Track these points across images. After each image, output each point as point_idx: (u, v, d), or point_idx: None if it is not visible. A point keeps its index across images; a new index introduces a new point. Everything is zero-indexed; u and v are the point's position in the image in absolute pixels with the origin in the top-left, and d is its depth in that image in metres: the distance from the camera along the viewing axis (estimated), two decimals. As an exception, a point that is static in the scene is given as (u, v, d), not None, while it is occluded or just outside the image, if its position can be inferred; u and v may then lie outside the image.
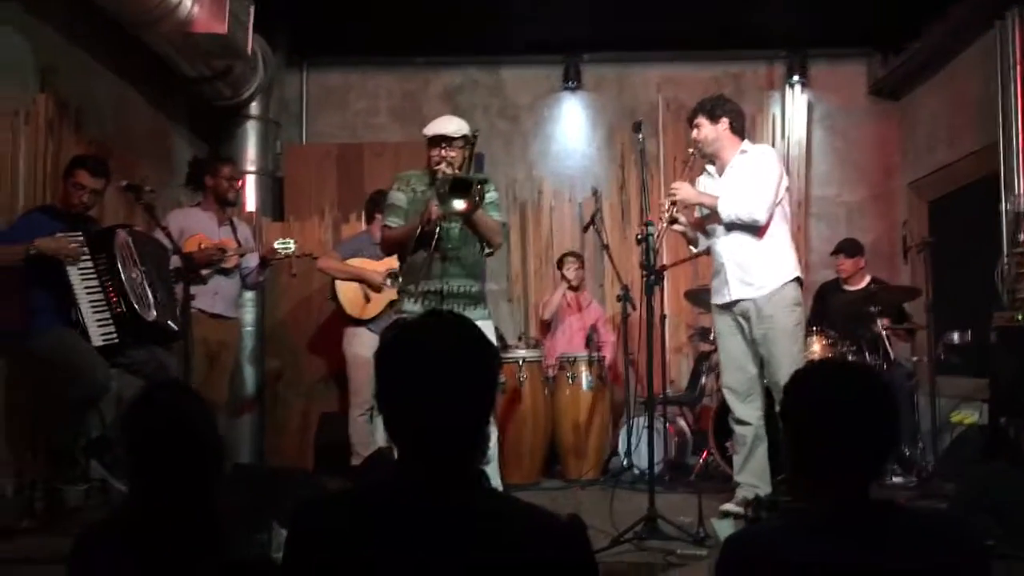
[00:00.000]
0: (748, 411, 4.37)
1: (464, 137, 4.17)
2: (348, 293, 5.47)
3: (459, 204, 3.88)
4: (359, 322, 5.45)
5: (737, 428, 4.41)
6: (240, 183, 5.48)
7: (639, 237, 4.12)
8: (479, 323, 4.17)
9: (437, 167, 4.10)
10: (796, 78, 7.28)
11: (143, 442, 1.83)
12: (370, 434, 5.35)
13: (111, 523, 1.97)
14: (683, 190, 4.33)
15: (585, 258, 6.89)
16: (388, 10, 6.43)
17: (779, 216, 4.31)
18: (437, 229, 4.00)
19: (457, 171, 4.02)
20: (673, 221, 4.35)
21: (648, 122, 4.87)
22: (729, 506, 4.19)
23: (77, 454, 4.20)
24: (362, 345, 5.38)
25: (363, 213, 6.03)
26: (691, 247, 4.66)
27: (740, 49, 7.28)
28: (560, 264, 6.49)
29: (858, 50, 7.35)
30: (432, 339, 1.54)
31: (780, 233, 4.32)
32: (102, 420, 4.28)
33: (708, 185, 4.45)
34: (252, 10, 5.45)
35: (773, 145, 7.23)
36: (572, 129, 7.48)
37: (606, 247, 5.84)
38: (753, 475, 4.32)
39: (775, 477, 4.29)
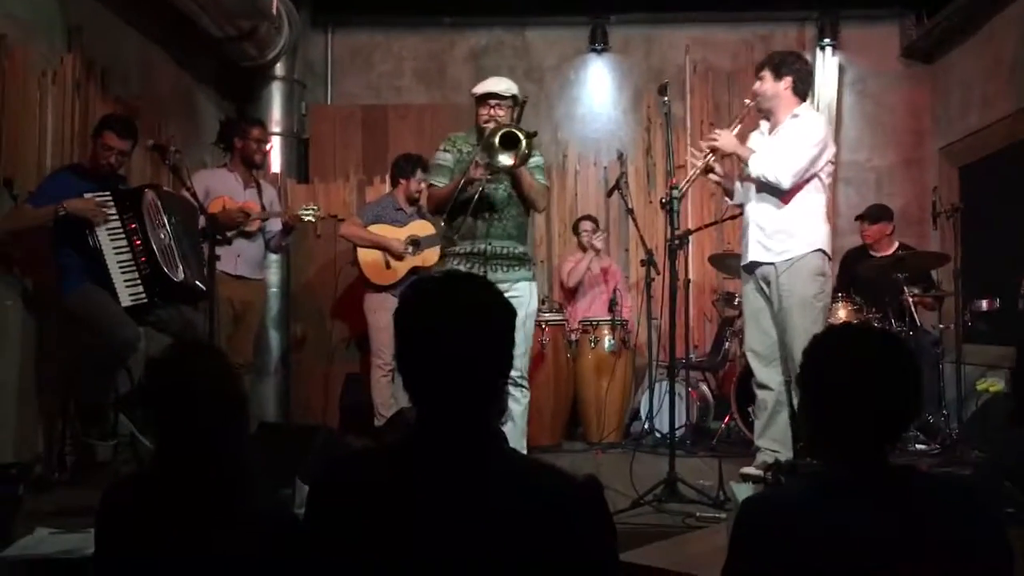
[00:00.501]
0: (770, 375, 4.33)
1: (513, 97, 4.16)
2: (369, 259, 5.51)
3: (506, 159, 3.89)
4: (380, 287, 5.48)
5: (759, 392, 4.39)
6: (268, 146, 5.50)
7: (664, 201, 4.09)
8: (521, 284, 4.18)
9: (486, 125, 4.07)
10: (827, 40, 7.14)
11: (165, 400, 1.85)
12: (392, 395, 5.41)
13: (137, 477, 2.01)
14: (723, 137, 4.28)
15: (610, 222, 6.87)
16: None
17: (814, 186, 4.24)
18: (480, 188, 3.97)
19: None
20: (708, 170, 4.34)
21: (675, 84, 4.83)
22: (749, 470, 4.19)
23: (106, 410, 4.27)
24: (384, 309, 5.41)
25: (388, 176, 6.03)
26: (727, 198, 4.63)
27: (770, 10, 7.16)
28: (575, 229, 6.45)
29: (891, 11, 7.20)
30: (446, 298, 1.55)
31: (812, 202, 4.24)
32: (130, 377, 4.34)
33: (757, 142, 4.39)
34: (277, -31, 5.44)
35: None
36: (598, 92, 7.41)
37: (631, 211, 5.82)
38: (774, 440, 4.30)
39: (795, 443, 4.29)
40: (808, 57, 7.14)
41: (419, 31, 7.43)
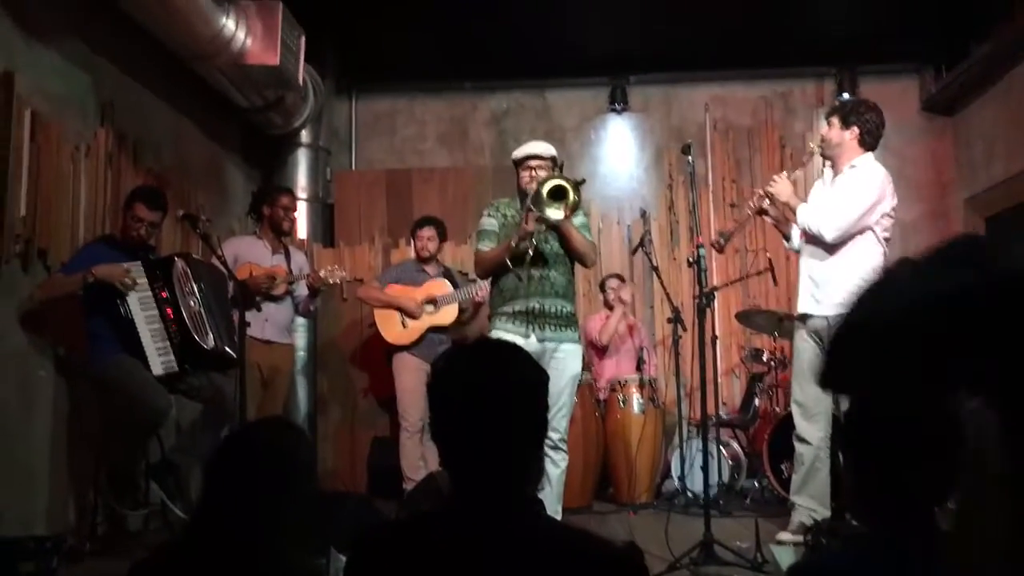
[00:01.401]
0: (810, 430, 4.26)
1: (553, 158, 4.20)
2: (384, 320, 5.56)
3: (557, 211, 3.88)
4: (403, 348, 5.51)
5: (798, 445, 4.31)
6: (295, 213, 5.58)
7: (691, 260, 4.09)
8: (568, 346, 4.08)
9: (528, 186, 4.07)
10: (846, 95, 7.19)
11: (237, 475, 1.85)
12: (420, 458, 5.38)
13: (165, 550, 2.00)
14: (780, 184, 4.31)
15: (634, 279, 6.86)
16: (434, 36, 6.52)
17: (868, 239, 4.18)
18: (531, 246, 3.94)
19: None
20: (762, 212, 4.39)
21: (696, 142, 4.85)
22: (785, 536, 4.10)
23: (137, 479, 4.27)
24: (407, 370, 5.44)
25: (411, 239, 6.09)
26: (785, 241, 4.60)
27: (788, 67, 7.23)
28: (602, 287, 6.44)
29: (909, 65, 7.26)
30: (478, 368, 1.55)
31: (865, 255, 4.16)
32: (161, 445, 4.35)
33: (817, 191, 4.41)
34: (303, 40, 5.55)
35: (823, 164, 7.16)
36: (619, 151, 7.47)
37: (655, 269, 5.82)
38: (811, 498, 4.23)
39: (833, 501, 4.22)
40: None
41: (441, 96, 7.55)
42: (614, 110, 7.42)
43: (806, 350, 4.32)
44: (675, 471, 5.73)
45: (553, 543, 1.51)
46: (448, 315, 5.47)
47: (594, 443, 5.65)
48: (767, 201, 4.33)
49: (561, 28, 6.45)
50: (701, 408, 4.14)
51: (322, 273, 5.23)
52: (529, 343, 3.91)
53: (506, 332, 3.98)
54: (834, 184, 4.32)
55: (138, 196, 4.35)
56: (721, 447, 5.64)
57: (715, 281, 6.48)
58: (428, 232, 5.70)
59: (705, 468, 4.07)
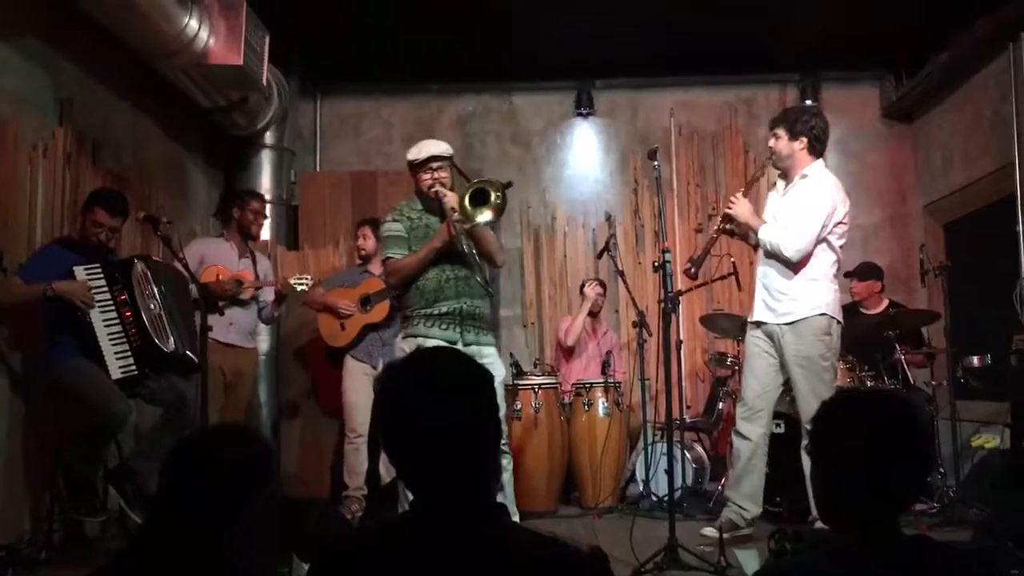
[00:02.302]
0: (751, 427, 4.38)
1: (451, 157, 4.19)
2: (324, 323, 5.54)
3: (485, 215, 3.94)
4: (341, 351, 5.46)
5: (736, 441, 4.43)
6: (265, 220, 5.51)
7: (656, 264, 4.11)
8: (489, 349, 4.14)
9: (430, 190, 4.10)
10: (809, 101, 7.27)
11: (191, 481, 1.82)
12: (361, 463, 5.36)
13: (121, 560, 1.96)
14: (738, 207, 4.37)
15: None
16: (401, 38, 6.49)
17: (821, 248, 4.25)
18: (462, 245, 4.02)
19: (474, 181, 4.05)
20: (726, 232, 4.48)
21: (661, 147, 4.89)
22: (710, 531, 4.16)
23: (95, 485, 4.19)
24: (349, 375, 5.43)
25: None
26: (748, 240, 4.57)
27: (752, 73, 7.29)
28: (582, 287, 6.47)
29: (870, 73, 7.36)
30: (428, 378, 1.54)
31: (818, 265, 4.25)
32: (120, 450, 4.28)
33: (773, 203, 4.45)
34: (267, 41, 5.50)
35: (778, 175, 7.23)
36: (585, 155, 7.49)
37: (621, 273, 5.83)
38: (745, 496, 4.35)
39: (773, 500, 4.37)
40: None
41: (407, 98, 7.52)
42: (580, 114, 7.44)
43: (757, 353, 4.40)
44: (639, 474, 5.74)
45: (519, 549, 1.50)
46: (381, 312, 5.38)
47: (559, 447, 5.64)
48: (729, 223, 4.42)
49: (528, 32, 6.45)
50: (666, 412, 4.16)
51: (291, 280, 5.18)
52: (457, 348, 3.91)
53: (431, 336, 3.99)
54: (786, 195, 4.39)
55: (98, 201, 4.26)
56: (685, 450, 5.66)
57: (680, 286, 6.50)
58: (364, 231, 5.63)
59: (670, 472, 4.08)
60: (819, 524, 4.07)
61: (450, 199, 4.03)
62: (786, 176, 4.43)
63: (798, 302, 4.24)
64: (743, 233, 4.48)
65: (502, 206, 3.97)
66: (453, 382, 1.52)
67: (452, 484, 1.50)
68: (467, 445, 1.50)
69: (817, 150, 4.36)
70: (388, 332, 5.31)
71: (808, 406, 4.17)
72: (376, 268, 5.57)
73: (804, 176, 4.31)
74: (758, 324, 4.38)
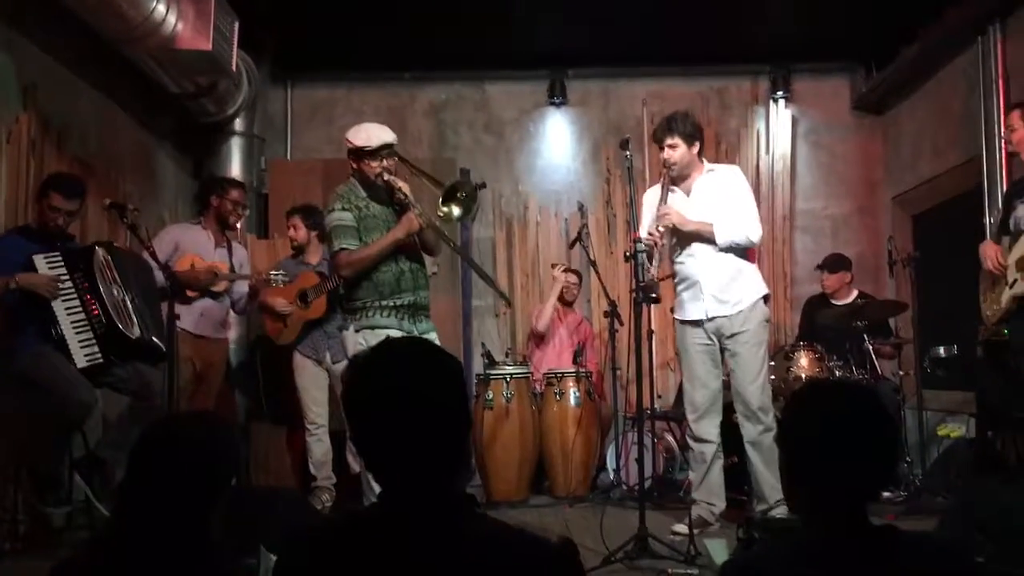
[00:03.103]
0: (709, 428, 4.47)
1: (394, 145, 4.11)
2: (268, 323, 5.51)
3: (458, 211, 3.98)
4: (290, 347, 5.42)
5: (697, 446, 4.49)
6: (245, 211, 5.42)
7: (628, 254, 4.11)
8: (434, 335, 4.17)
9: (378, 177, 4.01)
10: (780, 93, 7.31)
11: (155, 470, 1.80)
12: (325, 454, 5.37)
13: (88, 551, 1.94)
14: (673, 216, 4.38)
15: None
16: (373, 25, 6.43)
17: None
18: (416, 240, 4.05)
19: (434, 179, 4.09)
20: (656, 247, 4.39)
21: (633, 137, 4.88)
22: (680, 528, 4.18)
23: (61, 475, 4.14)
24: (298, 370, 5.41)
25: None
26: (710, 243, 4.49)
27: (725, 64, 7.31)
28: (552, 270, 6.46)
29: (841, 64, 7.40)
30: (398, 368, 1.52)
31: (746, 251, 4.46)
32: (85, 440, 4.22)
33: (682, 205, 4.47)
34: (236, 26, 5.43)
35: (758, 158, 7.28)
36: (558, 144, 7.49)
37: (593, 263, 5.84)
38: (710, 493, 4.44)
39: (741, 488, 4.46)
40: (761, 109, 7.34)
41: (380, 86, 7.47)
42: (553, 103, 7.43)
43: (697, 353, 4.46)
44: (610, 464, 5.76)
45: (488, 541, 1.49)
46: (320, 307, 5.29)
47: (530, 436, 5.65)
48: (668, 238, 4.43)
49: (501, 21, 6.42)
50: (637, 401, 4.17)
51: (266, 276, 5.13)
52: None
53: (389, 327, 3.92)
54: (696, 193, 4.45)
55: (53, 185, 4.17)
56: (656, 440, 5.69)
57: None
58: (294, 221, 5.50)
59: (640, 461, 4.10)
60: (778, 512, 4.15)
61: (404, 186, 3.99)
62: (676, 180, 4.49)
63: (744, 288, 4.40)
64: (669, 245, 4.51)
65: (470, 204, 4.00)
66: (424, 372, 1.51)
67: (421, 475, 1.49)
68: (437, 435, 1.49)
69: (702, 149, 4.55)
70: (331, 324, 5.24)
71: (756, 388, 4.29)
72: (313, 259, 5.47)
73: (711, 171, 4.50)
74: (701, 322, 4.43)
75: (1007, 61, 5.56)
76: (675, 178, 4.50)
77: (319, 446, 5.36)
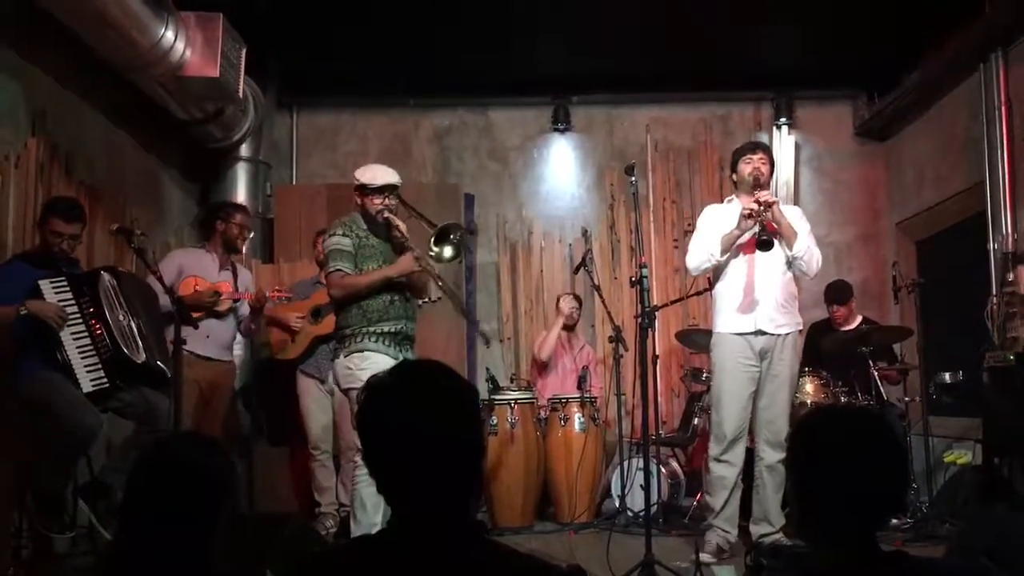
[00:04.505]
0: (739, 452, 4.39)
1: (397, 188, 4.33)
2: (275, 337, 5.54)
3: (450, 252, 4.17)
4: (292, 365, 5.44)
5: (720, 469, 4.37)
6: (250, 234, 5.46)
7: (634, 279, 4.12)
8: None
9: (379, 214, 4.23)
10: (783, 119, 7.35)
11: (152, 494, 1.80)
12: (329, 479, 5.37)
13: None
14: (770, 195, 4.36)
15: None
16: (378, 52, 6.49)
17: None
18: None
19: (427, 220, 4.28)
20: (755, 215, 4.25)
21: (637, 163, 4.91)
22: (708, 558, 4.16)
23: (65, 500, 4.12)
24: (303, 393, 5.43)
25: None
26: (713, 255, 4.43)
27: (728, 91, 7.36)
28: (557, 301, 6.47)
29: (843, 92, 7.44)
30: (415, 391, 1.52)
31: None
32: (90, 465, 4.21)
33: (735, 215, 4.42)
34: (243, 53, 5.47)
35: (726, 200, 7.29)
36: (562, 170, 7.52)
37: (597, 288, 5.85)
38: (727, 520, 4.37)
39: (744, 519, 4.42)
40: (765, 136, 7.37)
41: (384, 112, 7.51)
42: (557, 129, 7.47)
43: (740, 370, 4.36)
44: (615, 490, 5.74)
45: (499, 568, 1.49)
46: (330, 324, 5.31)
47: (535, 462, 5.63)
48: (759, 215, 4.26)
49: (505, 47, 6.47)
50: (643, 427, 4.16)
51: (268, 293, 5.15)
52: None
53: (379, 352, 4.08)
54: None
55: (52, 210, 4.16)
56: (660, 466, 5.67)
57: (655, 301, 6.52)
58: (318, 239, 5.55)
59: (647, 487, 4.08)
60: (776, 537, 4.13)
61: (401, 225, 4.22)
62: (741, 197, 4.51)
63: (792, 314, 4.43)
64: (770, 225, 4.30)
65: (460, 247, 4.22)
66: (442, 397, 1.51)
67: (435, 501, 1.49)
68: (452, 461, 1.49)
69: None
70: None
71: (786, 417, 4.28)
72: None
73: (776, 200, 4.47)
74: (748, 337, 4.35)
75: (1009, 89, 5.59)
76: (744, 195, 4.48)
77: (323, 471, 5.35)
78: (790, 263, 4.38)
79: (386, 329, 4.13)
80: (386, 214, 4.23)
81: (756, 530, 4.36)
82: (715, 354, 4.51)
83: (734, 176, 4.59)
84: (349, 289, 4.16)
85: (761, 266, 4.36)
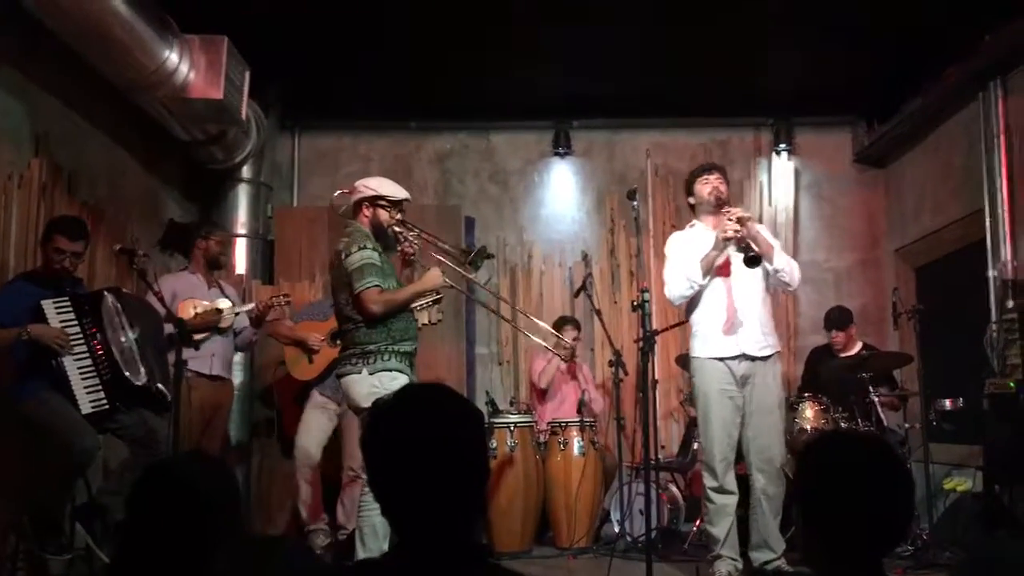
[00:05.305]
0: (732, 479, 4.35)
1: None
2: (291, 356, 5.52)
3: (472, 272, 4.24)
4: (308, 384, 5.43)
5: (720, 498, 4.32)
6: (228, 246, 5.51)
7: (635, 304, 4.12)
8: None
9: (391, 227, 4.17)
10: (783, 145, 7.38)
11: (153, 515, 1.79)
12: (312, 495, 5.32)
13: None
14: (741, 210, 4.34)
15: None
16: (380, 75, 6.52)
17: None
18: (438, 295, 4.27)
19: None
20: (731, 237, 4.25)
21: (637, 187, 4.93)
22: None
23: (62, 522, 4.10)
24: (310, 407, 5.41)
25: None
26: (694, 280, 4.39)
27: (728, 116, 7.39)
28: (558, 329, 6.41)
29: (842, 118, 7.47)
30: (419, 417, 1.52)
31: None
32: (88, 486, 4.19)
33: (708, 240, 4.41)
34: (247, 76, 5.50)
35: (761, 210, 7.32)
36: (562, 194, 7.54)
37: (597, 312, 5.84)
38: (732, 547, 4.33)
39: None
40: (764, 161, 7.40)
41: (386, 134, 7.54)
42: (557, 154, 7.49)
43: (723, 396, 4.32)
44: (614, 515, 5.71)
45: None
46: None
47: (534, 486, 5.61)
48: (741, 230, 4.25)
49: (507, 71, 6.50)
50: (644, 451, 4.14)
51: (269, 301, 5.18)
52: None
53: (403, 373, 4.01)
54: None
55: (57, 228, 4.17)
56: (660, 491, 5.64)
57: (655, 325, 6.51)
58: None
59: (647, 513, 4.06)
60: (778, 564, 4.10)
61: (414, 239, 4.19)
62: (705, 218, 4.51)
63: (774, 336, 4.39)
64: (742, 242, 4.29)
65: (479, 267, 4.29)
66: (448, 420, 1.51)
67: (439, 524, 1.48)
68: (458, 484, 1.49)
69: None
70: None
71: (779, 442, 4.26)
72: None
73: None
74: (728, 362, 4.30)
75: (1008, 117, 5.63)
76: (706, 216, 4.48)
77: (307, 488, 5.32)
78: (768, 283, 4.36)
79: (406, 348, 4.04)
80: (397, 228, 4.16)
81: (757, 556, 4.32)
82: (698, 380, 4.47)
83: (691, 200, 4.58)
84: (389, 305, 3.98)
85: (739, 288, 4.32)
